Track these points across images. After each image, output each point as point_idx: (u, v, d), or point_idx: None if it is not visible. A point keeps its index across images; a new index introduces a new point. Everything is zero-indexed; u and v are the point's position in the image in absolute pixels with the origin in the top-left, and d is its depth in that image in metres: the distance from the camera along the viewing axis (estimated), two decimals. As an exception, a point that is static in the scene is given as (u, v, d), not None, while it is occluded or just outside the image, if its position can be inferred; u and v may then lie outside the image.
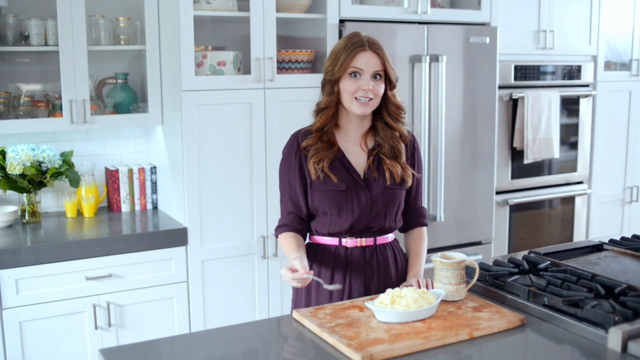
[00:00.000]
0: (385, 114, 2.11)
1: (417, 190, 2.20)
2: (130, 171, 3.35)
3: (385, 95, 2.08)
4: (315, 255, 2.12)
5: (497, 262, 2.14)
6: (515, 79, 3.88)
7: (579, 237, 4.31)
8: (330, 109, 2.08)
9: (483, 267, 2.08)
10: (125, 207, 3.35)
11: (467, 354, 1.61)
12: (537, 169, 4.05)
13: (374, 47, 2.04)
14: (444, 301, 1.85)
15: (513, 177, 3.97)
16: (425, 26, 3.44)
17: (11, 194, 3.16)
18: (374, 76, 2.04)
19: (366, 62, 2.02)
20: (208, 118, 3.03)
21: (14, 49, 3.01)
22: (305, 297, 2.13)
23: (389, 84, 2.08)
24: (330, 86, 2.06)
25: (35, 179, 3.02)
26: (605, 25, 4.22)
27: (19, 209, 3.13)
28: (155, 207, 3.42)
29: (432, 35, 3.46)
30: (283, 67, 3.24)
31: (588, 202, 4.33)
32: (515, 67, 3.87)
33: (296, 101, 3.17)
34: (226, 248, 3.14)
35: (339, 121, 2.12)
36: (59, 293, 2.78)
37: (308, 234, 2.18)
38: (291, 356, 1.68)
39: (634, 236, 2.45)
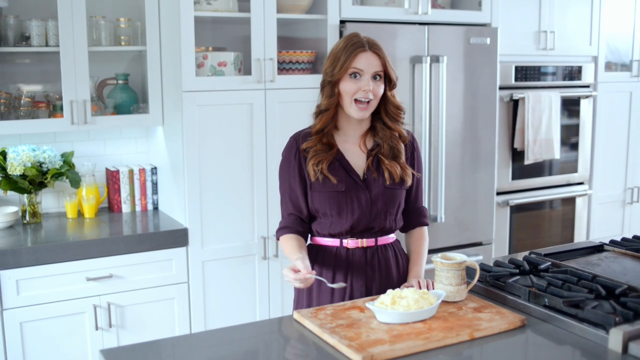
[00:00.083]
0: (384, 115, 2.11)
1: (417, 190, 2.20)
2: (131, 172, 3.35)
3: (384, 96, 2.08)
4: (317, 256, 2.12)
5: (497, 263, 2.14)
6: (516, 79, 3.88)
7: (580, 237, 4.31)
8: (331, 111, 2.07)
9: (484, 267, 2.08)
10: (125, 208, 3.35)
11: (467, 354, 1.61)
12: (538, 169, 4.05)
13: (373, 47, 2.04)
14: (444, 302, 1.85)
15: (514, 177, 3.97)
16: (426, 27, 3.44)
17: (12, 194, 3.16)
18: (374, 77, 2.04)
19: (366, 62, 2.02)
20: (209, 119, 3.03)
21: (15, 49, 3.01)
22: (307, 297, 2.13)
23: (389, 84, 2.08)
24: (330, 87, 2.06)
25: (36, 180, 3.02)
26: (606, 26, 4.22)
27: (20, 210, 3.13)
28: (155, 208, 3.42)
29: (433, 36, 3.46)
30: (284, 67, 3.24)
31: (589, 203, 4.32)
32: (516, 67, 3.87)
33: (297, 102, 3.17)
34: (227, 249, 3.14)
35: (338, 122, 2.12)
36: (59, 294, 2.78)
37: (309, 236, 2.18)
38: (292, 357, 1.67)
39: (635, 237, 2.45)
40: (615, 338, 1.58)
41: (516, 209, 3.99)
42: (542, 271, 2.05)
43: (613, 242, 2.39)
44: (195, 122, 3.00)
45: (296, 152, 2.11)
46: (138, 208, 3.38)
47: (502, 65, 3.77)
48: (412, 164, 2.17)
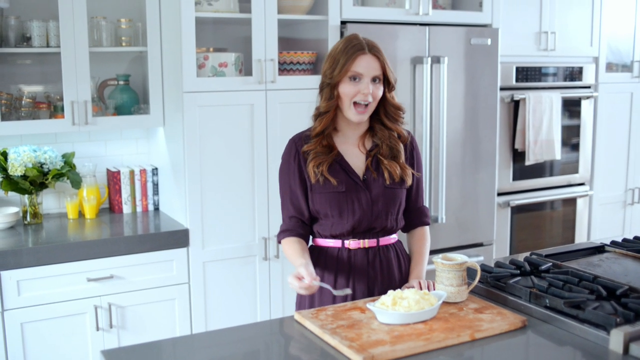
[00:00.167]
0: (382, 116, 2.11)
1: (417, 190, 2.20)
2: (132, 172, 3.35)
3: (383, 97, 2.08)
4: (318, 257, 2.12)
5: (498, 264, 2.14)
6: (517, 80, 3.88)
7: (581, 238, 4.30)
8: (330, 113, 2.07)
9: (484, 268, 2.08)
10: (126, 209, 3.36)
11: (468, 355, 1.61)
12: (539, 170, 4.05)
13: (373, 50, 2.04)
14: (445, 303, 1.85)
15: (514, 178, 3.97)
16: (427, 28, 3.44)
17: (13, 195, 3.16)
18: (373, 79, 2.04)
19: (366, 65, 2.01)
20: (209, 119, 3.03)
21: (16, 50, 3.01)
22: (309, 298, 2.12)
23: (388, 86, 2.08)
24: (329, 90, 2.05)
25: (36, 180, 3.03)
26: (607, 27, 4.22)
27: (21, 210, 3.13)
28: (156, 209, 3.42)
29: (434, 36, 3.46)
30: (284, 68, 3.24)
31: (589, 204, 4.32)
32: (517, 68, 3.86)
33: (298, 102, 3.17)
34: (227, 249, 3.14)
35: (338, 124, 2.12)
36: (60, 294, 2.78)
37: (311, 237, 2.17)
38: (293, 358, 1.67)
39: (636, 238, 2.45)
40: (616, 339, 1.58)
41: (517, 210, 3.99)
42: (543, 272, 2.05)
43: (614, 243, 2.38)
44: (196, 123, 3.00)
45: (295, 154, 2.11)
46: (139, 209, 3.38)
47: (503, 66, 3.77)
48: (411, 163, 2.17)
